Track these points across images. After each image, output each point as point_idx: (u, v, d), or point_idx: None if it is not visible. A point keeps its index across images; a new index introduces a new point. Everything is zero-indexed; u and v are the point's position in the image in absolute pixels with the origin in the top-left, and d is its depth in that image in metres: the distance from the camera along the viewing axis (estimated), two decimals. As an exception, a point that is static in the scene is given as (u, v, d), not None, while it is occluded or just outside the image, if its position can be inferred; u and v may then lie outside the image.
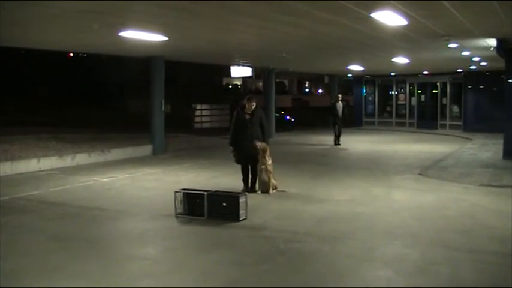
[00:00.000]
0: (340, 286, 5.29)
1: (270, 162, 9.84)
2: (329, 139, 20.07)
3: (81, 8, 8.58)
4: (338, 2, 7.93)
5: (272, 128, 22.40)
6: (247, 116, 9.89)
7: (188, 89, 35.51)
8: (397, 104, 30.37)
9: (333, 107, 20.13)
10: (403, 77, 29.29)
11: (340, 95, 20.98)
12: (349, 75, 31.53)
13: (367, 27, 10.65)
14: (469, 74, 26.30)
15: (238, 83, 50.25)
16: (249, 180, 10.12)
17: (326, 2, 8.04)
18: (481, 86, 26.78)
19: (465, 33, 11.87)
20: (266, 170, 9.79)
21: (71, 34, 12.09)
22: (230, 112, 27.63)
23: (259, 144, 9.78)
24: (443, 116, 28.09)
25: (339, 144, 19.66)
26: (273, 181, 9.96)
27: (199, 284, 5.33)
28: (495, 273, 5.68)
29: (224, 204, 7.85)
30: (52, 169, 13.03)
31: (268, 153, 9.84)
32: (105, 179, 11.80)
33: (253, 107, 9.90)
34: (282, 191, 10.04)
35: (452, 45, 13.91)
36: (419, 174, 12.46)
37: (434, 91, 28.80)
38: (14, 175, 12.01)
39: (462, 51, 15.84)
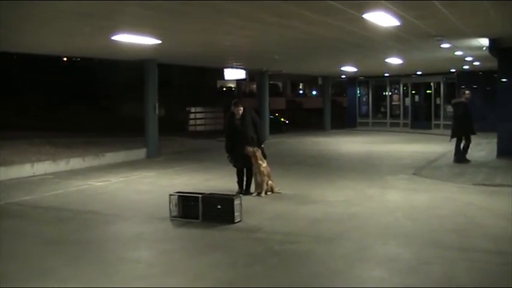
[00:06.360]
0: (333, 286, 5.30)
1: (264, 164, 9.85)
2: (324, 140, 19.96)
3: (72, 11, 8.55)
4: (329, 2, 7.94)
5: (266, 130, 22.34)
6: (237, 122, 9.93)
7: (182, 92, 35.48)
8: (391, 105, 30.47)
9: (467, 109, 14.00)
10: (397, 78, 29.38)
11: (468, 92, 14.54)
12: (343, 76, 31.59)
13: (360, 28, 10.67)
14: (462, 73, 26.39)
15: (233, 86, 50.22)
16: (244, 183, 10.14)
17: (316, 3, 8.05)
18: (475, 86, 26.85)
19: (457, 33, 11.92)
20: (260, 171, 9.80)
21: (63, 38, 12.07)
22: (224, 115, 27.68)
23: (250, 149, 9.78)
24: (437, 116, 28.15)
25: (464, 161, 13.80)
26: (270, 182, 9.98)
27: (193, 286, 5.32)
28: (488, 271, 5.70)
29: (218, 206, 7.85)
30: (46, 174, 12.99)
31: (259, 156, 9.83)
32: (100, 183, 11.77)
33: (241, 111, 9.91)
34: (278, 192, 10.05)
35: (445, 45, 13.94)
36: (413, 174, 12.49)
37: (427, 91, 28.92)
38: (7, 180, 11.94)
39: (455, 51, 15.89)
